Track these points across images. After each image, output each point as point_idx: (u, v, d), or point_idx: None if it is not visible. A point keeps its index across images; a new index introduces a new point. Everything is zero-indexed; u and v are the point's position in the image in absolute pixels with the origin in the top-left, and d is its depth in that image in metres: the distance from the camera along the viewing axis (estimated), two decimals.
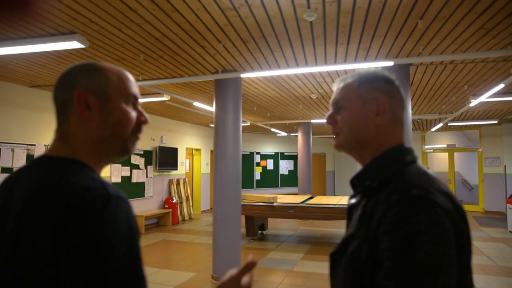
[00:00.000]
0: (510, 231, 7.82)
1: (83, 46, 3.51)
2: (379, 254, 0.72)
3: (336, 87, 0.96)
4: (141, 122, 0.84)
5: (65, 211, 0.63)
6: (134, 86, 0.83)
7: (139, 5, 2.90)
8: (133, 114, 0.82)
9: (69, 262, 0.61)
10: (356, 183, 0.92)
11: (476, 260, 5.53)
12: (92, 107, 0.77)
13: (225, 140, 4.87)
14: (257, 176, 14.03)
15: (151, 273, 4.92)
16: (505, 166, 10.36)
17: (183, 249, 6.47)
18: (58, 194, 0.66)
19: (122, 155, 0.82)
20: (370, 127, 0.88)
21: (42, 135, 5.91)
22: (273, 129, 11.47)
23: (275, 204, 6.84)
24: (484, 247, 6.47)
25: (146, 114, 0.85)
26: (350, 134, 0.90)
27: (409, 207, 0.71)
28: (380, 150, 0.88)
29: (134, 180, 8.23)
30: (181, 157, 10.22)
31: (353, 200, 0.92)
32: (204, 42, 3.75)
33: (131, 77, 0.83)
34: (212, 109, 6.12)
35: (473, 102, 6.12)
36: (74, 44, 3.47)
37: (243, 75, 4.49)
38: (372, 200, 0.80)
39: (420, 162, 0.88)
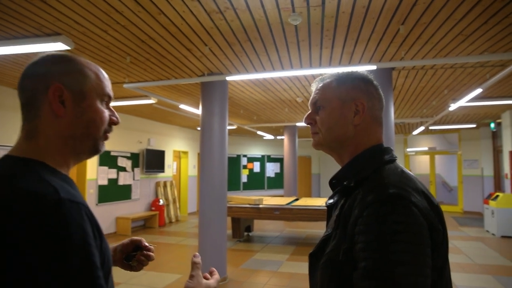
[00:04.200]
0: (487, 230, 8.09)
1: (68, 48, 3.48)
2: (355, 254, 0.71)
3: (314, 87, 0.96)
4: (112, 122, 0.82)
5: (7, 218, 0.59)
6: (110, 85, 0.82)
7: (124, 7, 2.90)
8: (107, 113, 0.80)
9: (10, 274, 0.56)
10: (335, 183, 0.91)
11: (455, 259, 5.69)
12: (67, 103, 0.73)
13: (211, 143, 4.88)
14: (244, 178, 14.06)
15: (137, 275, 4.87)
16: (482, 168, 10.72)
17: (169, 251, 6.43)
18: (2, 199, 0.61)
19: (91, 154, 0.80)
20: (348, 127, 0.88)
21: None
22: (259, 132, 11.51)
23: (261, 206, 6.88)
24: (462, 246, 6.66)
25: (117, 114, 0.84)
26: (328, 134, 0.89)
27: (385, 206, 0.70)
28: (359, 150, 0.87)
29: (121, 182, 8.15)
30: (168, 159, 10.16)
31: (331, 200, 0.92)
32: (190, 44, 3.77)
33: (106, 75, 0.82)
34: (199, 112, 6.13)
35: (453, 106, 6.32)
36: (59, 46, 3.43)
37: (229, 78, 4.51)
38: (349, 199, 0.79)
39: (398, 161, 0.88)
